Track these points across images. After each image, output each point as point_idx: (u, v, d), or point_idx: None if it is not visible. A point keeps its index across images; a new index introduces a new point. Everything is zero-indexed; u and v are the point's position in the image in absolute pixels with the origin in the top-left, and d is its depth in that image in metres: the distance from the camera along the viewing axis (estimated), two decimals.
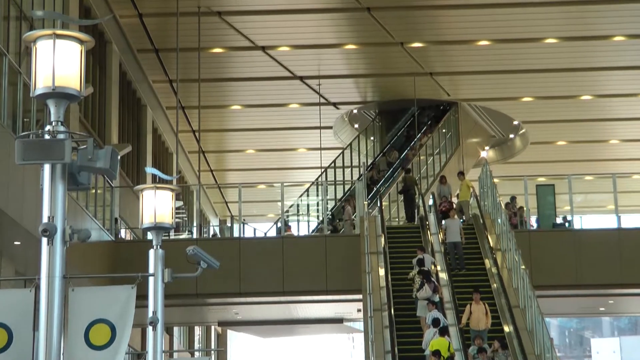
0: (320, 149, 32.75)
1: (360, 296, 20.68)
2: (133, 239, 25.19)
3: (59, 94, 6.21)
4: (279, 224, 26.58)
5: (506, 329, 18.83)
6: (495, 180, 24.50)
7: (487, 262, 21.54)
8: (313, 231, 27.40)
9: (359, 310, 23.64)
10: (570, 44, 27.47)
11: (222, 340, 41.39)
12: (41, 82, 6.19)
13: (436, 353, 16.32)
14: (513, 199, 25.70)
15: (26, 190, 14.77)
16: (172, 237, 25.82)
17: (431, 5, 25.58)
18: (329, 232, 24.85)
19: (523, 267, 19.99)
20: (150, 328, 9.94)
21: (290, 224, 26.89)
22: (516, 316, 18.85)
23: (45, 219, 6.21)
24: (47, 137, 6.23)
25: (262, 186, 37.27)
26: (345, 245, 22.87)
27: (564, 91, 30.99)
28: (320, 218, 26.91)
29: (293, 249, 23.02)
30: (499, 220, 22.82)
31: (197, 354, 35.27)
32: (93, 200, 21.37)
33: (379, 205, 24.78)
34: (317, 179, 30.78)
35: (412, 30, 26.82)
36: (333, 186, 30.62)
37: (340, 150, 32.94)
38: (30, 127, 15.88)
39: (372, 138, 34.64)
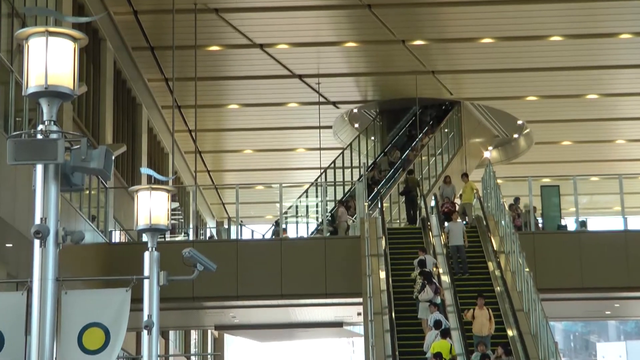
0: (320, 149, 32.76)
1: (360, 299, 20.69)
2: (128, 241, 25.19)
3: (51, 93, 6.22)
4: (275, 227, 26.59)
5: (510, 333, 18.84)
6: (499, 181, 24.51)
7: (491, 265, 21.55)
8: (312, 233, 27.41)
9: (359, 314, 23.65)
10: (575, 42, 27.48)
11: (219, 344, 41.39)
12: (34, 80, 6.21)
13: (437, 355, 16.36)
14: (517, 200, 25.71)
15: (18, 191, 14.77)
16: (167, 239, 25.81)
17: (433, 2, 25.59)
18: (329, 234, 24.87)
19: (527, 269, 20.00)
20: (145, 332, 9.95)
21: (285, 227, 26.76)
22: (520, 320, 18.85)
23: (37, 221, 6.22)
24: (39, 136, 6.24)
25: (260, 187, 37.26)
26: (345, 247, 22.88)
27: (570, 90, 31.00)
28: (320, 220, 26.91)
29: (292, 251, 23.02)
30: (503, 222, 22.83)
31: (193, 358, 35.31)
32: (87, 202, 21.37)
33: (379, 206, 24.79)
34: (316, 179, 30.77)
35: (414, 27, 26.83)
36: (333, 187, 30.62)
37: (340, 151, 32.94)
38: (23, 126, 15.88)
39: (372, 138, 34.64)
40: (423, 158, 30.79)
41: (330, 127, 33.82)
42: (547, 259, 22.68)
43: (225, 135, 35.69)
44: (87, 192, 21.48)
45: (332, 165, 32.00)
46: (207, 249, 18.85)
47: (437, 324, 17.39)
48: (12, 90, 15.43)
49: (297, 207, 28.89)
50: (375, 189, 28.44)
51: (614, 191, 26.61)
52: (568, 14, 25.96)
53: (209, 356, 36.99)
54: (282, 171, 38.20)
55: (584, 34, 27.00)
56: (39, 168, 6.27)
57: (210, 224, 41.78)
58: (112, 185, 23.94)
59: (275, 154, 37.09)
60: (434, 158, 31.30)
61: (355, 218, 25.23)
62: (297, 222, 28.70)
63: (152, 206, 9.94)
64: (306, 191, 29.51)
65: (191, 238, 29.14)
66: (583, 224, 25.65)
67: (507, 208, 23.44)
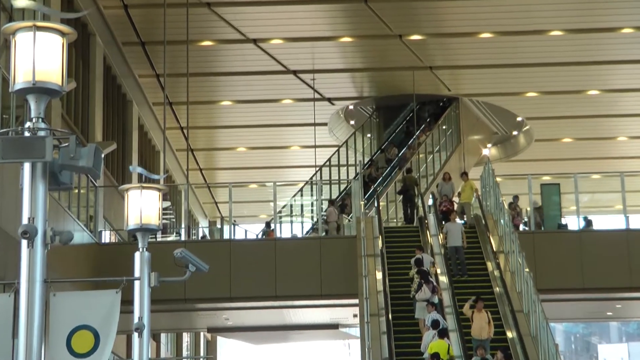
0: (315, 146, 32.76)
1: (356, 301, 20.70)
2: (118, 241, 25.16)
3: (39, 89, 6.20)
4: (265, 228, 26.59)
5: (509, 334, 18.85)
6: (498, 179, 24.53)
7: (490, 265, 21.57)
8: (307, 232, 27.41)
9: (355, 316, 23.65)
10: (576, 37, 27.51)
11: (211, 347, 41.37)
12: (21, 76, 6.19)
13: (435, 356, 16.38)
14: (516, 198, 25.73)
15: (5, 190, 14.75)
16: (159, 239, 25.80)
17: None
18: (324, 233, 24.87)
19: (527, 269, 20.02)
20: (136, 335, 9.94)
21: (274, 228, 26.72)
22: (520, 321, 18.87)
23: (25, 221, 6.20)
24: (27, 134, 6.22)
25: (253, 186, 37.26)
26: (340, 247, 22.89)
27: (570, 86, 31.04)
28: (315, 219, 26.91)
29: (286, 251, 23.02)
30: (502, 221, 22.85)
31: None
32: (76, 201, 21.34)
33: (376, 205, 24.79)
34: (311, 178, 30.78)
35: (411, 22, 26.83)
36: (328, 185, 30.63)
37: (336, 148, 32.93)
38: (10, 124, 15.85)
39: (369, 135, 34.66)
40: (420, 156, 30.79)
41: (325, 124, 33.82)
42: (547, 259, 22.71)
43: (218, 133, 35.67)
44: (76, 191, 21.46)
45: (328, 163, 32.00)
46: (200, 250, 18.82)
47: (435, 324, 17.41)
48: None
49: (291, 206, 28.90)
50: (372, 187, 28.46)
51: (615, 189, 26.64)
52: (568, 8, 25.97)
53: (201, 359, 36.96)
54: (276, 169, 38.20)
55: (584, 28, 27.02)
56: (27, 166, 6.25)
57: (203, 223, 41.77)
58: (101, 184, 23.91)
59: (269, 151, 37.08)
60: (431, 156, 31.30)
61: (351, 217, 25.23)
62: (291, 222, 28.71)
63: (143, 205, 9.93)
64: (301, 190, 29.51)
65: (183, 238, 29.14)
66: (589, 222, 25.70)
67: (506, 207, 23.45)
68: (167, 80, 26.48)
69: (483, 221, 23.27)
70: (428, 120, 32.57)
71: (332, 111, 33.22)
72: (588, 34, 27.32)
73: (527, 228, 25.32)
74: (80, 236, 21.01)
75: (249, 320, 27.96)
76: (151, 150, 33.78)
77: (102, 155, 6.53)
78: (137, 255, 9.89)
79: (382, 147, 31.99)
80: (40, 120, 6.26)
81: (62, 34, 6.27)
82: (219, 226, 40.32)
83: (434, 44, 28.30)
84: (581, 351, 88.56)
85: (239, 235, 29.64)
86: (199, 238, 35.99)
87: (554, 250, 23.03)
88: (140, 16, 26.07)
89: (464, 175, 25.56)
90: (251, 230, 31.49)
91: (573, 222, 25.52)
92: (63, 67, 6.25)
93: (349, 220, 25.37)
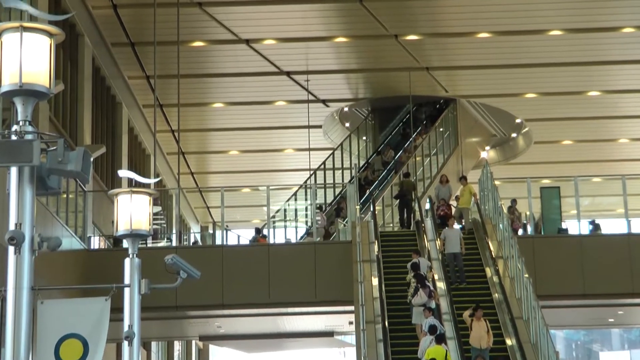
0: (309, 149, 32.77)
1: (352, 307, 20.68)
2: (107, 247, 25.13)
3: (26, 92, 6.20)
4: (255, 234, 26.57)
5: (508, 342, 18.86)
6: (497, 182, 24.56)
7: (488, 271, 21.58)
8: (301, 238, 27.40)
9: (350, 323, 23.64)
10: (576, 36, 27.56)
11: (203, 356, 41.35)
12: (7, 78, 6.19)
13: None
14: (514, 202, 25.76)
15: None
16: (149, 245, 25.78)
17: None
18: (319, 238, 24.86)
19: (526, 275, 20.03)
20: (126, 343, 9.93)
21: (266, 234, 26.73)
22: (519, 328, 18.88)
23: (12, 226, 6.20)
24: (14, 137, 6.22)
25: (246, 190, 37.26)
26: (335, 252, 22.87)
27: (570, 87, 31.09)
28: (309, 224, 26.90)
29: (280, 256, 23.00)
30: (501, 225, 22.86)
31: None
32: (64, 206, 21.31)
33: (372, 209, 24.79)
34: (305, 181, 30.78)
35: (407, 21, 26.86)
36: (323, 189, 30.63)
37: (331, 151, 32.94)
38: None
39: (364, 138, 34.67)
40: (417, 159, 30.81)
41: (320, 126, 33.84)
42: (547, 264, 22.72)
43: (210, 136, 35.67)
44: (65, 196, 21.43)
45: (322, 166, 32.01)
46: (191, 255, 18.84)
47: (432, 329, 17.40)
48: None
49: (285, 210, 28.88)
50: (368, 191, 28.46)
51: (616, 192, 26.68)
52: (568, 7, 26.02)
53: None
54: (269, 173, 38.20)
55: (584, 27, 27.07)
56: (14, 171, 6.25)
57: (194, 228, 41.75)
58: (90, 188, 23.88)
59: (263, 154, 37.09)
60: (428, 159, 31.32)
61: (346, 222, 25.23)
62: (285, 227, 28.70)
63: (132, 210, 9.92)
64: (295, 194, 29.51)
65: (174, 244, 29.09)
66: (597, 226, 25.71)
67: (505, 211, 23.47)
68: (157, 81, 26.49)
69: (481, 226, 23.27)
70: (425, 122, 32.60)
71: (327, 113, 33.24)
72: (588, 33, 27.37)
73: (530, 228, 25.37)
74: (69, 242, 20.98)
75: (242, 328, 27.94)
76: (141, 154, 33.76)
77: (91, 159, 6.53)
78: (127, 261, 9.88)
79: (378, 150, 32.01)
80: (27, 123, 6.26)
81: (50, 34, 6.27)
82: (211, 231, 40.28)
83: (430, 44, 28.34)
84: (582, 359, 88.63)
85: (232, 240, 29.60)
86: (191, 244, 35.96)
87: (554, 255, 23.05)
88: (129, 16, 26.06)
89: (463, 179, 25.54)
90: (244, 235, 31.48)
91: (573, 227, 25.58)
92: (51, 68, 6.25)
93: (344, 225, 25.37)
